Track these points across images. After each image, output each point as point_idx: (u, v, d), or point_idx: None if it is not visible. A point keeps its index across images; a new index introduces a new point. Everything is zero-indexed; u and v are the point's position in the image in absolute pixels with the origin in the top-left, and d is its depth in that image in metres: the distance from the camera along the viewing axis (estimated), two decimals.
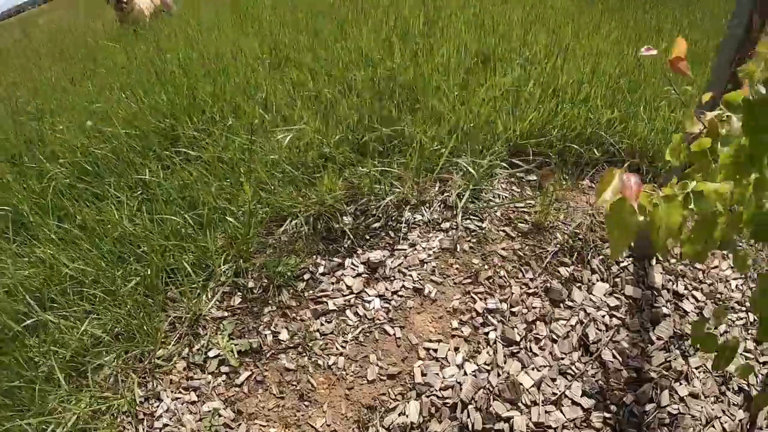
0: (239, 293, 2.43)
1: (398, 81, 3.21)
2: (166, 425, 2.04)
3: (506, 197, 2.77)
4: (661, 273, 2.49)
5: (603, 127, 2.99)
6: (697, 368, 2.22)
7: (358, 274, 2.47)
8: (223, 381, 2.16)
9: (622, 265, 2.50)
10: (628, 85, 3.35)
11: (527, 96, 3.10)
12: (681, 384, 2.16)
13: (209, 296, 2.41)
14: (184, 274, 2.39)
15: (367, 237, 2.61)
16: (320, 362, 2.19)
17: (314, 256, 2.53)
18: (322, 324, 2.31)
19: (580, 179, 2.89)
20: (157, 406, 2.09)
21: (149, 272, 2.35)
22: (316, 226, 2.61)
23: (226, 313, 2.36)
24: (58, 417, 1.98)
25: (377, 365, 2.17)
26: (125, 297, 2.29)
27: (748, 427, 2.12)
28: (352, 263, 2.51)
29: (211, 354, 2.22)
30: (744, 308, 2.43)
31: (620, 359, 2.21)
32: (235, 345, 2.24)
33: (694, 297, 2.45)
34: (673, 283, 2.47)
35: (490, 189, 2.77)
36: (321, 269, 2.49)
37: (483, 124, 2.93)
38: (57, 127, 3.43)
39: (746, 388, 2.20)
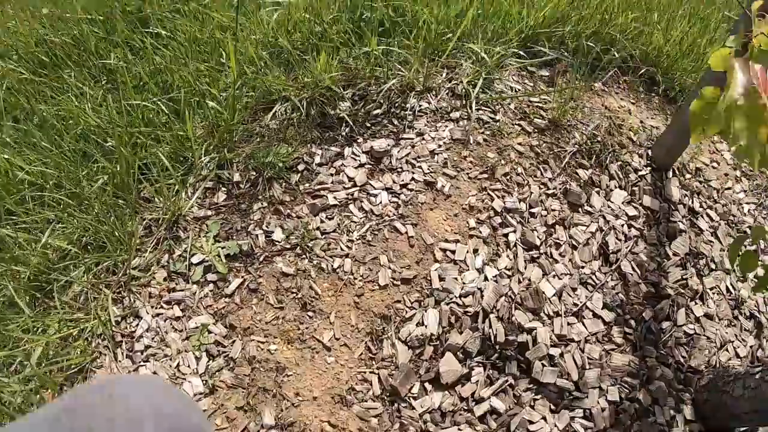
0: (223, 188, 2.03)
1: None
2: (148, 347, 1.69)
3: (519, 90, 2.44)
4: (678, 187, 2.31)
5: (619, 29, 2.70)
6: (711, 289, 2.10)
7: (361, 165, 2.10)
8: (210, 291, 1.81)
9: (640, 173, 2.28)
10: None
11: None
12: (696, 303, 2.05)
13: (189, 193, 2.00)
14: (159, 168, 1.97)
15: (368, 124, 2.21)
16: (323, 265, 1.85)
17: (308, 145, 2.13)
18: (322, 221, 1.95)
19: (593, 81, 2.60)
20: (136, 325, 1.73)
21: (118, 169, 1.92)
22: (309, 111, 2.18)
23: (209, 212, 1.97)
24: (24, 348, 1.62)
25: (389, 268, 1.86)
26: (92, 200, 1.88)
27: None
28: (353, 152, 2.13)
29: (194, 260, 1.85)
30: None
31: (639, 272, 2.05)
32: (222, 248, 1.87)
33: (708, 216, 2.29)
34: (689, 199, 2.30)
35: (501, 80, 2.43)
36: (317, 159, 2.10)
37: (495, 9, 2.55)
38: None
39: (757, 315, 2.11)
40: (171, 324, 1.73)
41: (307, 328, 1.74)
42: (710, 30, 2.93)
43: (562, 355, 1.79)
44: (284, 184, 2.04)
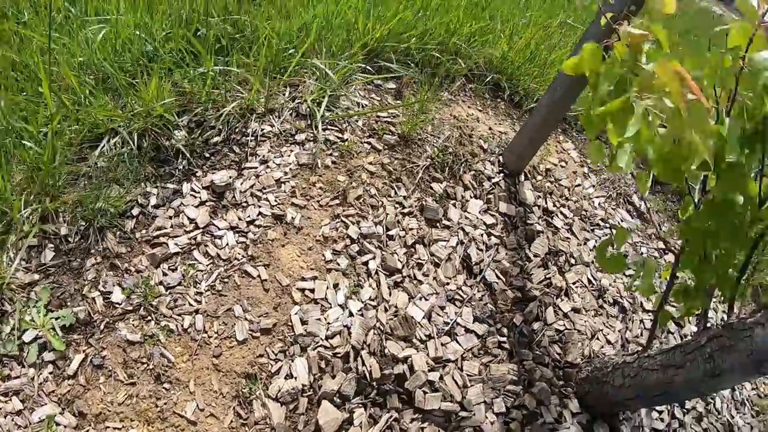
0: (50, 245, 1.80)
1: None
2: None
3: (366, 105, 2.42)
4: (531, 190, 2.42)
5: (464, 39, 2.78)
6: (574, 283, 2.22)
7: (202, 203, 1.95)
8: (50, 374, 1.59)
9: (493, 181, 2.35)
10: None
11: None
12: (563, 300, 2.15)
13: (11, 255, 1.75)
14: None
15: (207, 155, 2.06)
16: (172, 326, 1.70)
17: (143, 184, 1.94)
18: (164, 273, 1.79)
19: (440, 91, 2.65)
20: None
21: None
22: (141, 144, 1.99)
23: (36, 276, 1.74)
24: None
25: (245, 319, 1.75)
26: None
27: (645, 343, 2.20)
28: (192, 189, 1.97)
29: (26, 338, 1.62)
30: (607, 225, 2.50)
31: (504, 279, 2.12)
32: (56, 319, 1.66)
33: (562, 214, 2.43)
34: (543, 200, 2.41)
35: (347, 96, 2.38)
36: (153, 200, 1.92)
37: (340, 21, 2.52)
38: None
39: (620, 300, 2.28)
40: (12, 420, 1.50)
41: (165, 403, 1.58)
42: (550, 36, 3.11)
43: (441, 378, 1.79)
44: (118, 232, 1.85)
